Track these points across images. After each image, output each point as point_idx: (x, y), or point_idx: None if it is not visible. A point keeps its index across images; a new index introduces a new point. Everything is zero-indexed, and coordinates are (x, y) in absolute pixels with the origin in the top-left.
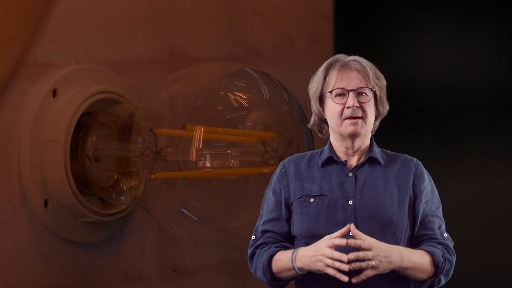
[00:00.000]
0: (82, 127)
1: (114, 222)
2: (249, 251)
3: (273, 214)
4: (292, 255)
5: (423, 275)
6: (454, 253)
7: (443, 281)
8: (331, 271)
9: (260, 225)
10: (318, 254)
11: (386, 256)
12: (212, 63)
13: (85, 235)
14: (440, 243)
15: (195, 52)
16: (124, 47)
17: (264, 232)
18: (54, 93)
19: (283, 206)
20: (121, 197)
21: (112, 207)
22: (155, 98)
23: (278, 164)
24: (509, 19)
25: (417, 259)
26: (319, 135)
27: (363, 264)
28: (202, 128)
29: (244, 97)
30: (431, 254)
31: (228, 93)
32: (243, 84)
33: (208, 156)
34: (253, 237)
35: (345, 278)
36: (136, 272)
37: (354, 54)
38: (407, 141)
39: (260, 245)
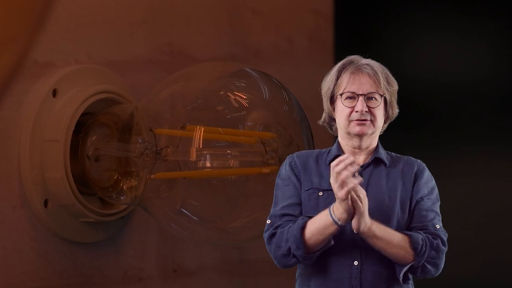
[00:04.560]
0: (82, 127)
1: (114, 222)
2: (266, 234)
3: (293, 200)
4: (330, 210)
5: (399, 252)
6: (446, 245)
7: (432, 271)
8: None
9: (277, 209)
10: (334, 187)
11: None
12: (212, 63)
13: (85, 235)
14: (427, 232)
15: (195, 52)
16: (124, 47)
17: (283, 215)
18: (54, 93)
19: (300, 192)
20: (121, 197)
21: (112, 207)
22: (155, 98)
23: (278, 164)
24: (509, 19)
25: (388, 232)
26: (329, 131)
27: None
28: (202, 128)
29: (244, 97)
30: (409, 236)
31: (228, 93)
32: (243, 84)
33: (208, 156)
34: (268, 221)
35: (351, 159)
36: (136, 272)
37: (355, 54)
38: (407, 141)
39: (279, 225)
